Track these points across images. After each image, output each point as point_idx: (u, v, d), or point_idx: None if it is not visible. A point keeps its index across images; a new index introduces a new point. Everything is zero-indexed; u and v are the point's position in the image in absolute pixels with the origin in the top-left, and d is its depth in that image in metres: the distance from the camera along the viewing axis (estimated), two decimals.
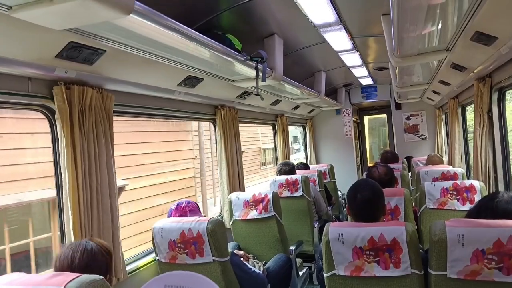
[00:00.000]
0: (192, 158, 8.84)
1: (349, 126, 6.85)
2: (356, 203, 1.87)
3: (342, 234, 1.71)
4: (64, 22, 1.35)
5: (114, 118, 2.23)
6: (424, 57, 2.68)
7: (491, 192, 3.00)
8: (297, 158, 10.79)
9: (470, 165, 4.54)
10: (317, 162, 6.75)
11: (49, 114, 2.00)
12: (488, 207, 1.56)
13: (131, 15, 1.35)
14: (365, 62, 4.56)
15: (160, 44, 1.82)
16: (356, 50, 3.78)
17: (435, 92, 4.84)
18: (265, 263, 2.85)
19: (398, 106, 6.61)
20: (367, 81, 6.13)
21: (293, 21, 2.95)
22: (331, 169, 5.40)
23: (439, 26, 2.18)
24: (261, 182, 11.65)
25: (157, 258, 2.24)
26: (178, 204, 2.37)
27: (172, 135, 8.32)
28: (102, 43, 1.76)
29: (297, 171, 3.99)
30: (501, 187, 3.04)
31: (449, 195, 2.64)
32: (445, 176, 3.32)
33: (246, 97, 3.69)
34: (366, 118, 8.63)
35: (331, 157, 6.71)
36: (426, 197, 2.68)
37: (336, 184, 5.53)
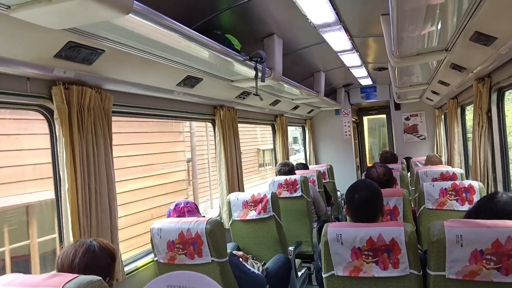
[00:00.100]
0: (183, 161, 8.46)
1: (349, 126, 6.86)
2: (354, 203, 1.87)
3: (341, 234, 1.71)
4: (62, 21, 1.34)
5: (113, 118, 2.22)
6: (423, 57, 2.68)
7: (490, 192, 3.00)
8: (297, 159, 10.77)
9: (469, 166, 4.54)
10: (317, 163, 6.75)
11: (48, 114, 2.00)
12: (487, 208, 1.56)
13: (130, 14, 1.35)
14: (364, 63, 4.56)
15: (159, 44, 1.82)
16: (356, 50, 3.78)
17: (434, 92, 4.84)
18: (264, 263, 2.85)
19: (398, 107, 6.61)
20: (367, 82, 6.13)
21: (292, 21, 2.95)
22: (330, 170, 5.40)
23: (439, 26, 2.18)
24: (259, 184, 11.56)
25: (155, 258, 2.23)
26: (176, 205, 2.36)
27: (161, 136, 7.90)
28: (101, 43, 1.76)
29: (296, 172, 3.99)
30: (500, 188, 3.04)
31: (448, 195, 2.64)
32: (444, 177, 3.32)
33: (245, 97, 3.69)
34: (365, 119, 8.65)
35: (330, 157, 6.72)
36: (425, 198, 2.68)
37: (335, 184, 5.53)
